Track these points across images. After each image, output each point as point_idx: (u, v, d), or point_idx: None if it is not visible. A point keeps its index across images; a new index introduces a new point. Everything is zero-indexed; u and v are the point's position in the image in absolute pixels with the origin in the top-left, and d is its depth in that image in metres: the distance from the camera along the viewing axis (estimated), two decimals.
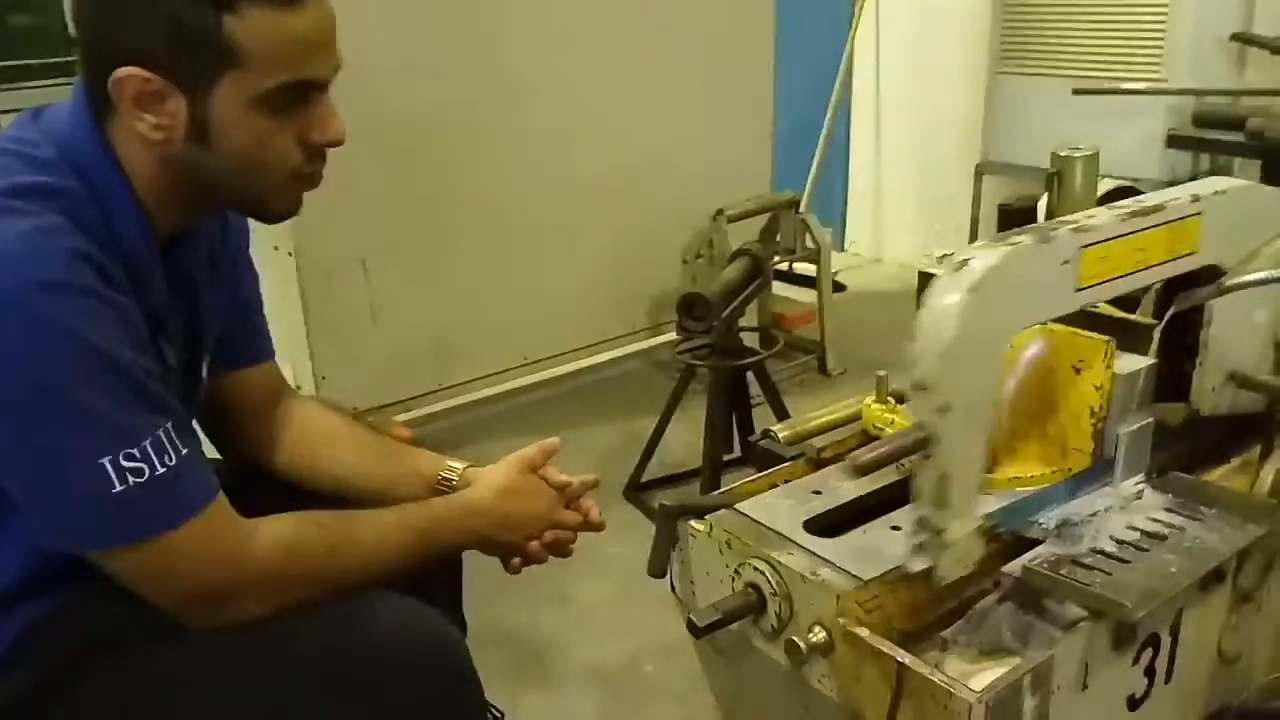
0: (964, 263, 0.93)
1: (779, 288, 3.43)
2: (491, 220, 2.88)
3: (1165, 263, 1.09)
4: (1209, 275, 1.14)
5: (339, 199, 2.55)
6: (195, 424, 1.17)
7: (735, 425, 2.44)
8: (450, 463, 1.27)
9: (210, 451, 1.21)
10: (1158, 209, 1.07)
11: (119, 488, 0.89)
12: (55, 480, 0.90)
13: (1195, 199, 1.11)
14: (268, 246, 2.63)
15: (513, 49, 2.82)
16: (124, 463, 0.89)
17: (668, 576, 1.26)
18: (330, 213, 2.55)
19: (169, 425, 0.93)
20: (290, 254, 2.52)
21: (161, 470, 0.91)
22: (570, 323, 3.17)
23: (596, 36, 2.99)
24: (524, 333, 3.06)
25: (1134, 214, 1.05)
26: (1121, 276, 1.05)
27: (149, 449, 0.91)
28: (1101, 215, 1.05)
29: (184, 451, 0.94)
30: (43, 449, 0.89)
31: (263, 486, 1.20)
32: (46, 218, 0.90)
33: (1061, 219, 1.03)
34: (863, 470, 0.94)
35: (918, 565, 0.98)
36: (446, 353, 2.88)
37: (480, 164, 2.83)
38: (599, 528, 1.28)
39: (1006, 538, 1.09)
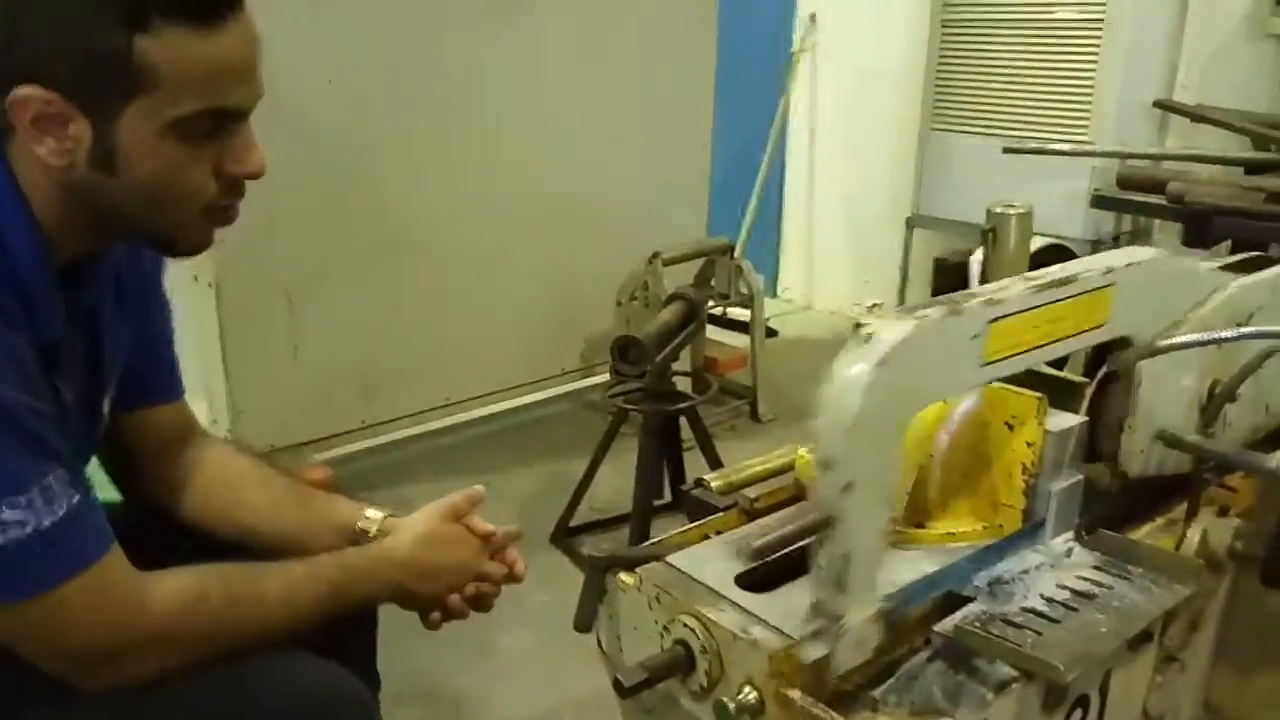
0: (870, 335, 0.89)
1: (712, 332, 3.43)
2: (421, 256, 2.84)
3: (1075, 335, 1.07)
4: (1119, 347, 1.14)
5: (265, 230, 2.50)
6: (97, 464, 1.10)
7: (666, 470, 2.41)
8: (369, 511, 1.21)
9: (110, 493, 1.15)
10: (1070, 280, 1.05)
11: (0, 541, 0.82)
12: None
13: (1109, 270, 1.09)
14: (187, 277, 2.55)
15: (447, 84, 2.80)
16: (6, 513, 0.83)
17: (594, 631, 1.22)
18: (255, 244, 2.48)
19: (59, 472, 0.86)
20: (210, 285, 2.45)
21: (48, 522, 0.84)
22: (499, 363, 3.12)
23: (537, 75, 2.99)
24: (451, 372, 3.00)
25: (1047, 285, 1.03)
26: (1029, 350, 1.02)
27: (35, 498, 0.84)
28: (1014, 287, 1.02)
29: (75, 500, 0.87)
30: None
31: (167, 532, 1.13)
32: None
33: (970, 291, 1.00)
34: (758, 556, 0.89)
35: (814, 653, 0.94)
36: (370, 390, 2.81)
37: (411, 200, 2.79)
38: (520, 580, 1.24)
39: (904, 614, 1.05)
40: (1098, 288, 1.08)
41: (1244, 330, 1.12)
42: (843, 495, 0.88)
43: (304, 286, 2.60)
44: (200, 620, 0.95)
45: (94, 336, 1.04)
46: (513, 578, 1.24)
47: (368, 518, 1.20)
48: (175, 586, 0.94)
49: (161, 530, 1.13)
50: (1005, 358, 1.00)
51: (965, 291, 1.00)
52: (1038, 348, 1.03)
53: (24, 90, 0.86)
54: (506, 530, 1.25)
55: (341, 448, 2.84)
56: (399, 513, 1.23)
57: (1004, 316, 0.98)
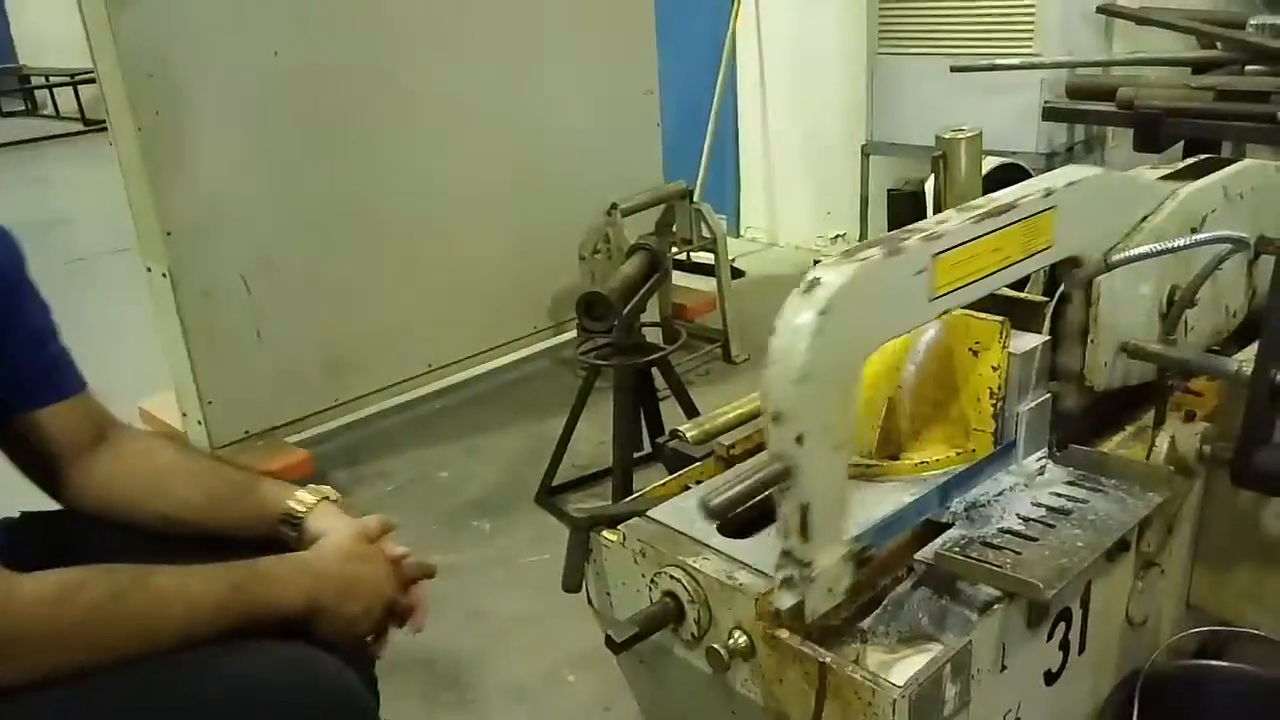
0: (813, 283, 0.88)
1: (679, 278, 3.42)
2: (380, 229, 2.80)
3: (1021, 260, 1.07)
4: (1070, 266, 1.15)
5: (213, 215, 2.46)
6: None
7: (644, 422, 2.42)
8: (301, 494, 1.17)
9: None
10: (1010, 207, 1.05)
11: None
12: None
13: (1048, 193, 1.09)
14: (141, 269, 2.51)
15: (394, 54, 2.75)
16: None
17: (584, 590, 1.23)
18: (205, 230, 2.45)
19: None
20: (165, 275, 2.40)
21: None
22: (469, 326, 3.10)
23: (478, 38, 2.94)
24: (421, 340, 2.98)
25: (986, 215, 1.02)
26: (977, 280, 1.02)
27: None
28: (953, 219, 1.01)
29: None
30: None
31: (102, 532, 1.11)
32: None
33: (911, 227, 0.99)
34: (717, 514, 0.87)
35: (786, 601, 0.94)
36: (340, 367, 2.79)
37: (365, 171, 2.74)
38: (420, 629, 1.16)
39: (877, 551, 1.05)
40: (1038, 212, 1.08)
41: (1196, 237, 1.13)
42: (797, 446, 0.88)
43: (261, 269, 2.56)
44: (75, 613, 0.90)
45: None
46: (414, 624, 1.15)
47: (299, 500, 1.16)
48: (48, 581, 0.90)
49: (99, 531, 1.11)
50: (953, 290, 1.00)
51: (905, 229, 0.99)
52: (985, 276, 1.04)
53: None
54: (420, 563, 1.18)
55: (319, 426, 2.82)
56: (344, 497, 1.21)
57: (946, 250, 0.98)
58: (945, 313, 1.03)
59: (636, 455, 2.36)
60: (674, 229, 3.23)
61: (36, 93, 10.68)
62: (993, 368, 1.14)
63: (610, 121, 3.33)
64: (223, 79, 2.41)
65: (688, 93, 4.29)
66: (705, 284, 3.55)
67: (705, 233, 3.25)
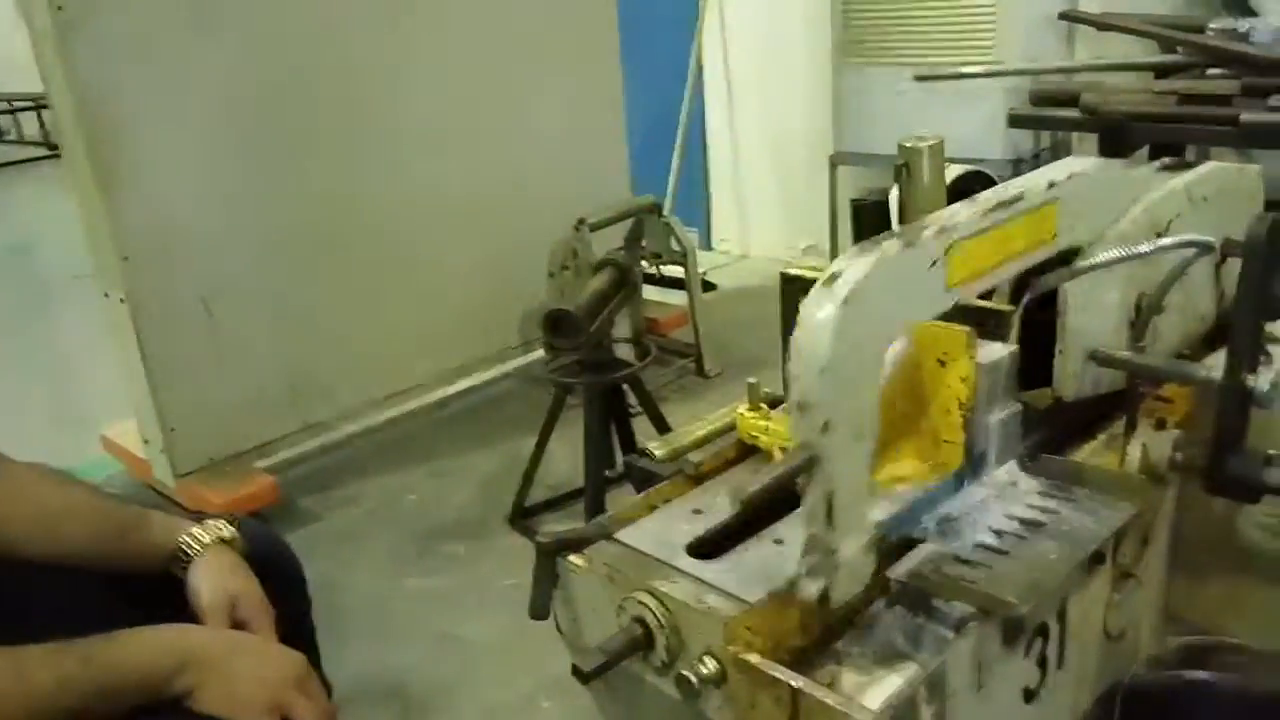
0: (833, 276, 0.91)
1: (651, 292, 3.40)
2: (345, 251, 2.78)
3: (1028, 252, 1.09)
4: (1069, 259, 1.15)
5: (171, 238, 2.42)
6: None
7: (617, 440, 2.39)
8: (195, 531, 1.10)
9: None
10: (1016, 199, 1.06)
11: None
12: None
13: (1051, 185, 1.10)
14: (98, 294, 2.46)
15: (352, 73, 2.73)
16: None
17: (552, 617, 1.20)
18: (163, 253, 2.40)
19: None
20: (123, 300, 2.36)
21: None
22: (438, 347, 3.07)
23: (440, 55, 2.93)
24: (389, 362, 2.95)
25: (994, 207, 1.04)
26: (989, 270, 1.04)
27: None
28: (962, 211, 1.03)
29: None
30: None
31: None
32: None
33: (923, 220, 1.01)
34: (750, 504, 0.90)
35: (812, 589, 0.94)
36: (305, 390, 2.75)
37: (327, 191, 2.71)
38: None
39: (893, 540, 1.06)
40: (1043, 203, 1.09)
41: (1161, 242, 1.12)
42: (822, 435, 0.90)
43: (221, 293, 2.52)
44: None
45: None
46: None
47: (193, 537, 1.10)
48: None
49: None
50: (967, 281, 1.02)
51: (919, 222, 1.00)
52: (997, 267, 1.05)
53: None
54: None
55: (285, 452, 2.78)
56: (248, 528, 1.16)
57: (958, 241, 1.00)
58: (956, 305, 1.04)
59: (609, 474, 2.33)
60: (643, 243, 3.21)
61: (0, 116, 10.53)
62: (961, 379, 1.12)
63: (576, 136, 3.32)
64: (177, 101, 2.38)
65: (655, 106, 4.28)
66: (677, 298, 3.54)
67: (675, 246, 3.23)
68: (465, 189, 3.03)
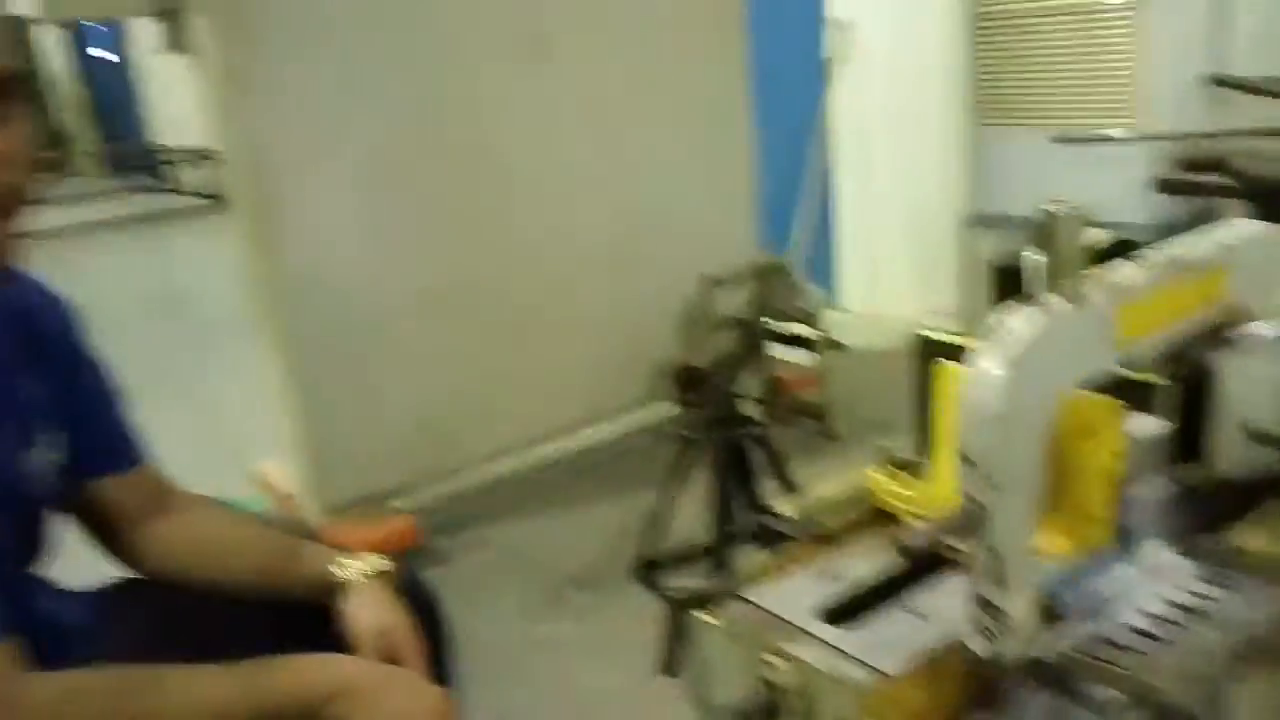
0: (1001, 333, 0.92)
1: (776, 350, 3.39)
2: (480, 299, 2.88)
3: (1196, 314, 1.08)
4: (1236, 323, 1.12)
5: (325, 284, 2.55)
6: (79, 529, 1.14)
7: (743, 498, 2.38)
8: (352, 563, 1.16)
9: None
10: (1185, 260, 1.05)
11: None
12: None
13: (1221, 247, 1.08)
14: (253, 337, 2.61)
15: (490, 129, 2.84)
16: None
17: (680, 673, 1.21)
18: (317, 294, 2.54)
19: None
20: (280, 344, 2.50)
21: None
22: (569, 398, 3.13)
23: (578, 106, 3.01)
24: (520, 410, 3.02)
25: (1163, 267, 1.04)
26: (1157, 331, 1.04)
27: None
28: (1130, 271, 1.03)
29: None
30: None
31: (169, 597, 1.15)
32: None
33: (1089, 279, 1.00)
34: (912, 554, 0.93)
35: (981, 648, 0.94)
36: (442, 434, 2.84)
37: (468, 243, 2.83)
38: None
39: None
40: (1213, 266, 1.08)
41: None
42: (989, 491, 0.91)
43: (368, 339, 2.64)
44: (76, 708, 0.91)
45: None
46: None
47: (348, 568, 1.15)
48: (55, 683, 0.92)
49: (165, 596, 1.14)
50: (1137, 340, 1.02)
51: (1084, 279, 1.00)
52: (1164, 328, 1.05)
53: None
54: None
55: (422, 494, 2.87)
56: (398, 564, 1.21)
57: (1128, 301, 1.00)
58: (1122, 365, 1.04)
59: (734, 532, 2.33)
60: (771, 301, 3.21)
61: (163, 168, 11.31)
62: (1111, 453, 1.09)
63: (707, 191, 3.36)
64: (334, 157, 2.54)
65: (784, 162, 4.31)
66: (804, 357, 3.52)
67: (803, 305, 3.22)
68: (596, 241, 3.10)
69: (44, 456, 1.07)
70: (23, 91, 0.90)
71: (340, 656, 1.05)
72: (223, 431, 3.46)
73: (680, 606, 1.18)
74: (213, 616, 1.11)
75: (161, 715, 0.93)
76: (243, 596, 1.15)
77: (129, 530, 1.18)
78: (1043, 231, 1.36)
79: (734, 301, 3.06)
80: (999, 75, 3.46)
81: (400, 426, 2.74)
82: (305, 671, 1.00)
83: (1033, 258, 1.37)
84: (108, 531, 1.18)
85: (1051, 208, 1.41)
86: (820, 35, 4.45)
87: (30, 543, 1.07)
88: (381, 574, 1.17)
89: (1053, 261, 1.41)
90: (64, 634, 1.07)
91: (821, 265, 4.62)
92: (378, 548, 1.25)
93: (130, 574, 1.20)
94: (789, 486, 2.39)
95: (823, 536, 1.29)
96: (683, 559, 2.53)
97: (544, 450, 3.14)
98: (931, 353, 1.21)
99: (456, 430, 2.87)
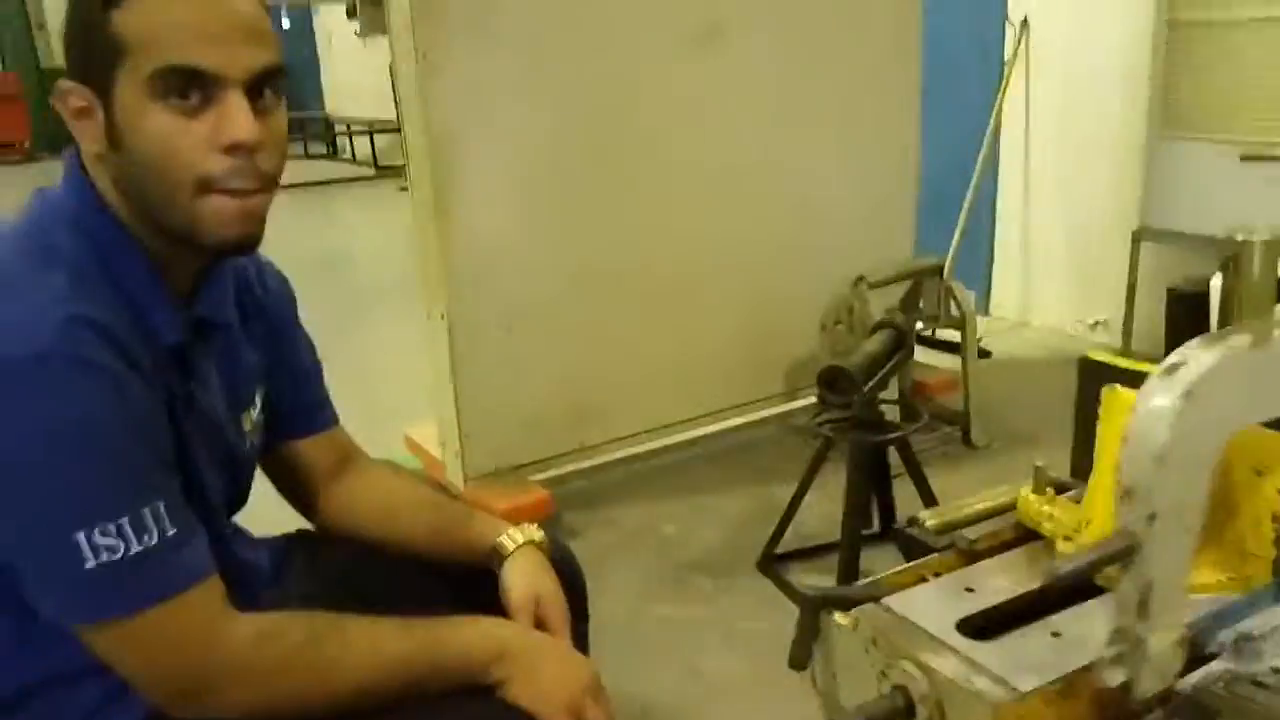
0: (1174, 366, 0.89)
1: (921, 354, 3.35)
2: (631, 285, 2.93)
3: None
4: None
5: (489, 266, 2.66)
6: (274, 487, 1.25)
7: (875, 500, 2.38)
8: (511, 532, 1.23)
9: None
10: None
11: (91, 564, 0.86)
12: (37, 555, 0.88)
13: None
14: (407, 304, 2.73)
15: (659, 122, 2.88)
16: (99, 539, 0.86)
17: (809, 669, 1.23)
18: (480, 279, 2.65)
19: (158, 503, 0.90)
20: (443, 317, 2.62)
21: (138, 549, 0.87)
22: (706, 387, 3.17)
23: (741, 96, 3.02)
24: (659, 396, 3.07)
25: None
26: None
27: (126, 526, 0.87)
28: None
29: (169, 533, 0.90)
30: (25, 523, 0.87)
31: (344, 550, 1.25)
32: (47, 283, 0.89)
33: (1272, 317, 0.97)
34: (1063, 581, 0.91)
35: (1116, 678, 0.93)
36: (584, 413, 2.92)
37: (623, 231, 2.88)
38: None
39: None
40: None
41: None
42: (1147, 524, 0.89)
43: (520, 316, 2.74)
44: (274, 655, 0.96)
45: (224, 351, 1.10)
46: None
47: (507, 537, 1.21)
48: (254, 623, 0.97)
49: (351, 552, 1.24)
50: None
51: (1268, 319, 0.99)
52: None
53: (62, 84, 0.95)
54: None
55: (557, 469, 2.96)
56: (547, 536, 1.27)
57: None
58: None
59: (865, 533, 2.32)
60: (921, 305, 3.17)
61: (338, 139, 11.91)
62: (1278, 490, 1.06)
63: (866, 192, 3.33)
64: (506, 141, 2.63)
65: (947, 164, 4.22)
66: (948, 361, 3.46)
67: (953, 310, 3.17)
68: (751, 233, 3.11)
69: (255, 418, 1.18)
70: (284, 83, 0.98)
71: (502, 621, 1.12)
72: (378, 393, 3.64)
73: (816, 605, 1.20)
74: (381, 572, 1.19)
75: (343, 661, 0.99)
76: (413, 555, 1.24)
77: (317, 487, 1.28)
78: (1234, 258, 1.30)
79: (885, 302, 3.04)
80: (1185, 85, 3.29)
81: (544, 402, 2.83)
82: (477, 632, 1.06)
83: (1220, 285, 1.33)
84: (298, 488, 1.28)
85: (1244, 235, 1.34)
86: (1000, 35, 4.32)
87: (237, 496, 1.18)
88: (536, 543, 1.24)
89: (1242, 291, 1.35)
90: (254, 579, 1.17)
91: (976, 269, 4.51)
92: (513, 517, 1.33)
93: (309, 526, 1.31)
94: (926, 493, 2.37)
95: (966, 551, 1.28)
96: (807, 555, 2.55)
97: (679, 436, 3.19)
98: (1097, 375, 1.19)
99: (597, 410, 2.95)
